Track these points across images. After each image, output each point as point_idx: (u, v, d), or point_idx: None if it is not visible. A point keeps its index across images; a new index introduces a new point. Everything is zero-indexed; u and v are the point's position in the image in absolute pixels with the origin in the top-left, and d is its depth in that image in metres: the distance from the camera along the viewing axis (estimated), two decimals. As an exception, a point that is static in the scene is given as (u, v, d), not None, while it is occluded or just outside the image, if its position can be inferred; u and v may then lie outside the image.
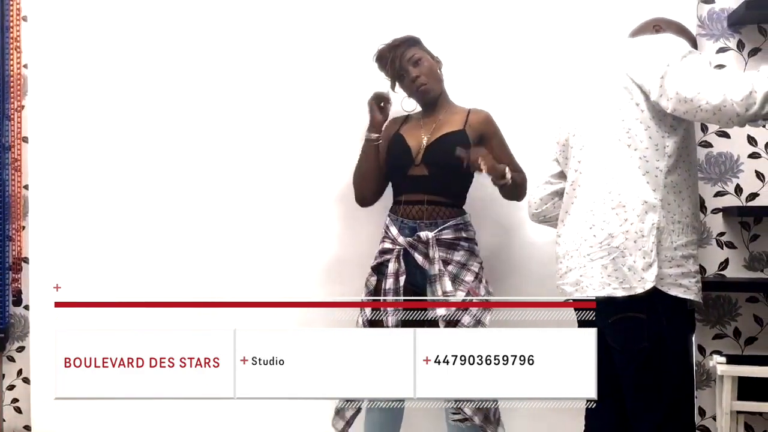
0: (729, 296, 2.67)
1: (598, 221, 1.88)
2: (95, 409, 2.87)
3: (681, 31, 2.04)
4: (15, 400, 3.08)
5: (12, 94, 3.00)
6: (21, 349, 3.06)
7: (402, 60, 2.36)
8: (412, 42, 2.40)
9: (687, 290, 1.85)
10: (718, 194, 2.66)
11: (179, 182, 2.83)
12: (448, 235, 2.32)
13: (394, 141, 2.43)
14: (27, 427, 3.01)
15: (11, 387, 3.08)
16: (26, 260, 3.01)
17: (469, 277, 2.31)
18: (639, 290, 1.81)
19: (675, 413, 1.87)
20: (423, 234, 2.31)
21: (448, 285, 2.27)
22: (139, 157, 2.86)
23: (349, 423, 2.33)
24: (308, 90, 2.76)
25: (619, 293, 1.83)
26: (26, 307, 3.01)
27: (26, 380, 3.02)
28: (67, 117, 2.89)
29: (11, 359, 3.07)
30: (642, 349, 1.85)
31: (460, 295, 2.27)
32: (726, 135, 2.65)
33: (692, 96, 1.73)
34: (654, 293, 1.81)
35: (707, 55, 1.91)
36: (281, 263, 2.78)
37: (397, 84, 2.43)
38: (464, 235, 2.35)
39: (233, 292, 2.79)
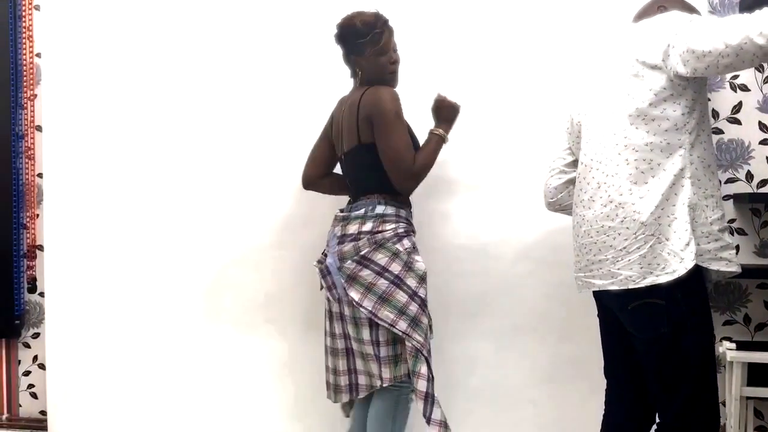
0: (739, 282, 2.67)
1: (627, 212, 1.83)
2: (110, 396, 2.90)
3: (685, 7, 2.00)
4: (31, 386, 3.12)
5: (25, 83, 3.03)
6: (36, 335, 3.09)
7: (390, 40, 2.34)
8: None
9: (729, 263, 1.85)
10: (729, 181, 2.66)
11: (191, 169, 2.85)
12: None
13: (409, 128, 2.38)
14: (43, 413, 3.05)
15: (27, 373, 3.12)
16: (41, 248, 3.04)
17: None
18: (682, 271, 1.78)
19: (695, 401, 1.85)
20: None
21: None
22: (151, 145, 2.88)
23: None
24: (326, 91, 2.66)
25: (663, 279, 1.80)
26: (41, 294, 3.04)
27: (42, 366, 3.06)
28: (80, 105, 2.92)
29: (27, 346, 3.11)
30: (662, 336, 1.83)
31: None
32: (737, 122, 2.64)
33: (710, 47, 1.69)
34: (696, 271, 1.80)
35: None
36: (287, 259, 2.80)
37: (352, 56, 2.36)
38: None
39: (242, 283, 2.82)
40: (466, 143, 2.66)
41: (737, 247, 2.64)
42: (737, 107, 2.64)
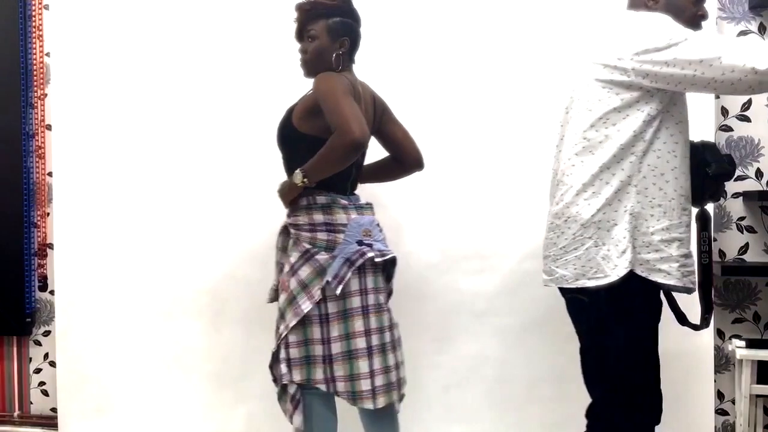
0: (748, 280, 2.66)
1: (572, 212, 1.85)
2: (120, 392, 2.92)
3: (671, 6, 1.92)
4: (42, 383, 3.14)
5: (35, 83, 3.05)
6: (47, 333, 3.11)
7: (302, 27, 2.19)
8: (321, 14, 2.17)
9: (667, 275, 1.79)
10: (738, 178, 2.64)
11: (201, 167, 2.86)
12: (286, 220, 2.21)
13: None
14: (53, 410, 3.07)
15: (38, 370, 3.14)
16: (51, 246, 3.06)
17: (285, 267, 2.14)
18: (613, 278, 1.78)
19: (608, 402, 1.86)
20: None
21: (277, 275, 2.24)
22: (160, 143, 2.88)
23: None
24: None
25: (592, 284, 1.81)
26: (51, 292, 3.06)
27: (52, 364, 3.08)
28: (89, 104, 2.93)
29: (38, 343, 3.14)
30: (582, 330, 1.90)
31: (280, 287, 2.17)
32: (747, 119, 2.63)
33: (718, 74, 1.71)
34: (631, 278, 1.78)
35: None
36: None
37: None
38: (291, 220, 2.16)
39: (251, 281, 2.82)
40: (475, 142, 2.66)
41: (746, 245, 2.64)
42: (747, 105, 2.63)
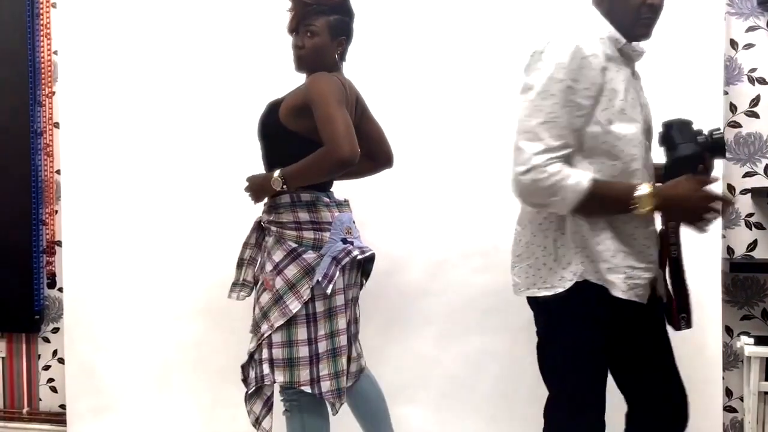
0: (757, 277, 2.65)
1: (526, 221, 1.82)
2: (128, 389, 2.93)
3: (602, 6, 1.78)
4: (50, 380, 3.16)
5: (43, 81, 3.06)
6: (56, 330, 3.13)
7: (302, 21, 2.14)
8: (325, 10, 2.14)
9: (614, 287, 1.71)
10: (746, 175, 2.64)
11: (208, 165, 2.87)
12: (263, 218, 2.19)
13: None
14: (62, 406, 3.09)
15: (47, 367, 3.16)
16: (59, 243, 3.07)
17: (268, 265, 2.12)
18: (559, 289, 1.75)
19: (553, 407, 1.87)
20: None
21: (246, 274, 2.24)
22: (168, 141, 2.89)
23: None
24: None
25: (541, 294, 1.79)
26: (60, 290, 3.08)
27: (61, 360, 3.10)
28: (97, 102, 2.94)
29: (47, 340, 3.15)
30: (537, 332, 1.89)
31: (258, 284, 2.16)
32: (755, 115, 2.62)
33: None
34: (582, 288, 1.73)
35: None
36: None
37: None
38: (272, 218, 2.14)
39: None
40: (482, 139, 2.65)
41: (755, 242, 2.63)
42: (755, 100, 2.62)
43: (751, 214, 2.64)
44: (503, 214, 2.65)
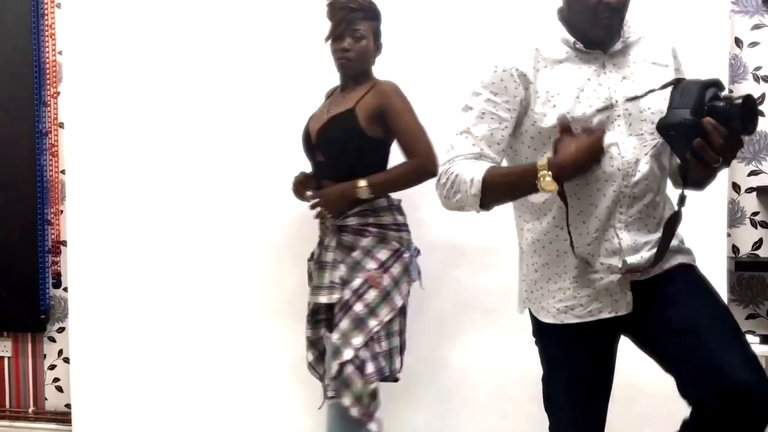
0: (762, 276, 2.64)
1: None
2: (134, 389, 2.94)
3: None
4: (56, 380, 3.17)
5: (48, 81, 3.07)
6: (61, 330, 3.14)
7: (347, 26, 2.23)
8: (370, 15, 2.26)
9: (547, 313, 1.72)
10: (752, 173, 2.63)
11: (214, 164, 2.86)
12: (353, 221, 2.26)
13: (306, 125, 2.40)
14: (68, 406, 3.09)
15: (52, 367, 3.17)
16: (64, 243, 3.08)
17: (371, 264, 2.22)
18: (525, 311, 1.83)
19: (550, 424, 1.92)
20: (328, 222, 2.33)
21: (340, 273, 2.25)
22: (173, 141, 2.89)
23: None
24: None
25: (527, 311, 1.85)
26: (65, 289, 3.08)
27: (67, 360, 3.11)
28: (102, 102, 2.94)
29: (52, 340, 3.16)
30: None
31: (357, 282, 2.21)
32: (760, 113, 2.61)
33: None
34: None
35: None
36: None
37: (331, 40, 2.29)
38: (372, 220, 2.26)
39: (264, 278, 2.83)
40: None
41: (760, 241, 2.62)
42: (761, 99, 2.61)
43: (756, 213, 2.64)
44: (503, 214, 2.66)
